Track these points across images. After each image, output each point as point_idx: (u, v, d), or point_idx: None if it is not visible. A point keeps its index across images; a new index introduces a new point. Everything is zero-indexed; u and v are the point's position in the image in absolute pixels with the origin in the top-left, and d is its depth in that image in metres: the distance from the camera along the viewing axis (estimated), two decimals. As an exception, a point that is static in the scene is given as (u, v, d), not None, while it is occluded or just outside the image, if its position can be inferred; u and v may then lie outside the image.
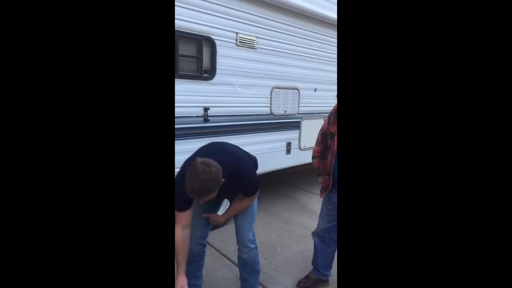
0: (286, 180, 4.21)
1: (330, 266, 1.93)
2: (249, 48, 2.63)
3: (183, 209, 1.38)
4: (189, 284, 1.69)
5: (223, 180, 1.29)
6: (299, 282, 1.94)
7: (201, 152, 1.47)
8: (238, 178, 1.41)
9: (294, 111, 3.21)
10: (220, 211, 1.91)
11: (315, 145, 1.79)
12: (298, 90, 3.19)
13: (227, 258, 2.26)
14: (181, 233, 1.39)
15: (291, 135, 3.23)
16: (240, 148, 1.60)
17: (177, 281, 1.36)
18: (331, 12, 3.21)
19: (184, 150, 2.31)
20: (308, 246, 2.38)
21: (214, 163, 1.27)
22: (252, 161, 1.61)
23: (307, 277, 1.95)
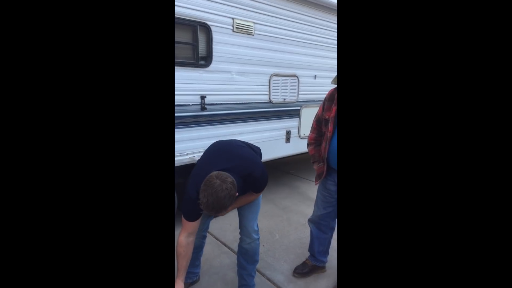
0: (286, 169, 4.20)
1: (326, 253, 1.94)
2: (246, 34, 2.58)
3: (192, 220, 1.37)
4: (187, 272, 1.71)
5: (237, 194, 1.28)
6: (296, 268, 1.95)
7: (211, 159, 1.43)
8: (251, 180, 1.40)
9: (294, 99, 3.18)
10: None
11: (310, 132, 1.77)
12: (297, 77, 3.14)
13: (226, 245, 2.28)
14: (186, 240, 1.38)
15: (290, 123, 3.20)
16: (246, 146, 1.57)
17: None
18: (331, -4, 3.13)
19: (181, 139, 2.31)
20: (306, 233, 2.39)
21: (230, 178, 1.25)
22: (257, 153, 1.60)
23: (304, 263, 1.97)
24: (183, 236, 1.38)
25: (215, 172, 1.26)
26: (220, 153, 1.46)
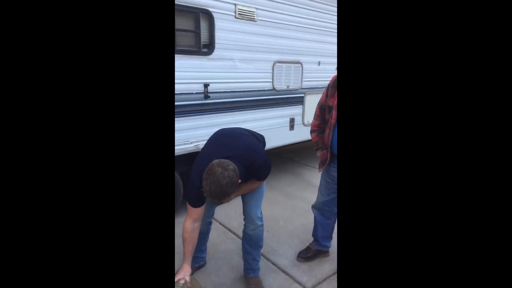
0: (290, 156, 4.22)
1: (330, 238, 1.97)
2: (249, 20, 2.54)
3: (197, 206, 1.40)
4: (194, 256, 1.76)
5: (239, 180, 1.29)
6: (300, 253, 2.00)
7: (214, 147, 1.44)
8: (253, 168, 1.42)
9: (297, 86, 3.15)
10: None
11: (313, 119, 1.77)
12: (301, 64, 3.11)
13: (231, 231, 2.33)
14: (191, 225, 1.42)
15: (294, 110, 3.20)
16: (250, 134, 1.58)
17: (180, 270, 1.40)
18: (336, -21, 3.05)
19: (185, 127, 2.33)
20: (310, 219, 2.41)
21: (231, 165, 1.26)
22: (260, 142, 1.62)
23: (307, 248, 2.01)
24: (189, 222, 1.42)
25: (216, 160, 1.28)
26: (223, 141, 1.47)
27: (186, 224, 1.42)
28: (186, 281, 1.36)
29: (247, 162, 1.39)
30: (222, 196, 1.26)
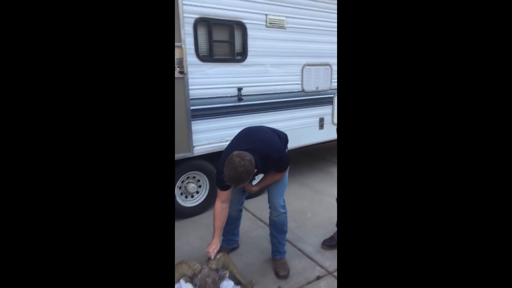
0: (322, 155, 4.33)
1: (352, 228, 2.10)
2: (279, 28, 2.76)
3: (223, 189, 1.69)
4: (228, 240, 2.05)
5: (255, 170, 1.54)
6: (324, 241, 2.16)
7: (236, 141, 1.74)
8: (270, 161, 1.67)
9: (327, 87, 3.29)
10: (254, 182, 2.17)
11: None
12: (330, 65, 3.24)
13: (261, 220, 2.56)
14: (220, 206, 1.71)
15: (323, 110, 3.33)
16: (271, 131, 1.83)
17: (211, 242, 1.66)
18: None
19: (220, 127, 2.61)
20: (336, 213, 2.55)
21: (248, 156, 1.52)
22: (282, 140, 1.85)
23: (331, 237, 2.16)
24: (218, 203, 1.71)
25: (236, 152, 1.54)
26: (245, 136, 1.75)
27: (216, 204, 1.72)
28: (222, 256, 1.62)
29: (263, 154, 1.63)
30: (238, 181, 1.51)
